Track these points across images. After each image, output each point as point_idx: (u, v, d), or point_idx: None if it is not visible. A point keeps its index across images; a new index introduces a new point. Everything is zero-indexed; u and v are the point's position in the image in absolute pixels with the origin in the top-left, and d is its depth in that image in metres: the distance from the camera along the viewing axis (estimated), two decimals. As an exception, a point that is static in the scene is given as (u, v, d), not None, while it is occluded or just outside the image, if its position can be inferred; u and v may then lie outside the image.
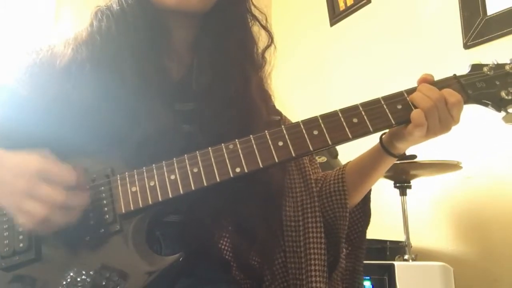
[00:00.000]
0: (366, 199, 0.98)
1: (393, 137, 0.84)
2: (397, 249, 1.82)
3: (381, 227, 2.14)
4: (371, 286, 1.60)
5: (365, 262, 1.65)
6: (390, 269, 1.58)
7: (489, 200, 1.85)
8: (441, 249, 1.98)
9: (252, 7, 0.92)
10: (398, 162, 1.73)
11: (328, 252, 0.90)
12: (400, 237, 1.82)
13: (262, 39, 0.93)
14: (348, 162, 0.97)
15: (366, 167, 0.92)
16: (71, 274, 0.68)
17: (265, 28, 0.92)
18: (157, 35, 0.84)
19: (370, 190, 0.97)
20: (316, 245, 0.87)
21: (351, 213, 0.96)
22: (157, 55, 0.83)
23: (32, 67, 0.81)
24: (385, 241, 1.86)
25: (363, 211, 0.98)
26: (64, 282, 0.68)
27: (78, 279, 0.67)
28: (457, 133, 1.91)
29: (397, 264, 1.59)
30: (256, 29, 0.93)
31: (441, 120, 0.75)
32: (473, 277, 1.82)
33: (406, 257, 1.72)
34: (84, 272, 0.68)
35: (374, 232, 2.02)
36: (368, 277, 1.61)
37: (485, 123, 1.82)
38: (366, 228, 0.98)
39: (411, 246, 1.75)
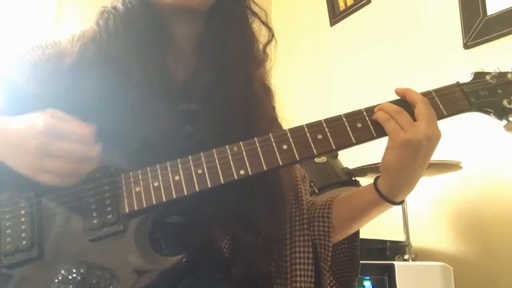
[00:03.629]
0: (353, 245, 0.92)
1: (384, 179, 0.80)
2: (397, 249, 1.82)
3: (381, 227, 2.13)
4: (371, 286, 1.60)
5: (365, 262, 1.66)
6: (390, 269, 1.58)
7: (489, 200, 1.85)
8: (441, 249, 1.99)
9: (252, 4, 0.92)
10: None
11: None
12: (400, 237, 1.82)
13: (263, 35, 0.93)
14: (338, 195, 0.91)
15: (357, 207, 0.86)
16: (62, 272, 0.67)
17: (265, 23, 0.92)
18: (160, 34, 0.84)
19: (358, 241, 0.91)
20: (302, 260, 0.84)
21: (337, 254, 0.92)
22: (162, 55, 0.84)
23: (37, 63, 0.81)
24: (385, 241, 1.86)
25: (350, 255, 0.92)
26: (56, 280, 0.67)
27: (69, 277, 0.67)
28: (457, 133, 1.92)
29: (397, 264, 1.59)
30: (256, 25, 0.92)
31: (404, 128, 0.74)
32: (473, 277, 1.83)
33: (406, 257, 1.72)
34: (74, 270, 0.68)
35: (374, 232, 2.02)
36: (368, 277, 1.61)
37: (485, 124, 1.82)
38: (354, 276, 0.91)
39: (411, 246, 1.76)
